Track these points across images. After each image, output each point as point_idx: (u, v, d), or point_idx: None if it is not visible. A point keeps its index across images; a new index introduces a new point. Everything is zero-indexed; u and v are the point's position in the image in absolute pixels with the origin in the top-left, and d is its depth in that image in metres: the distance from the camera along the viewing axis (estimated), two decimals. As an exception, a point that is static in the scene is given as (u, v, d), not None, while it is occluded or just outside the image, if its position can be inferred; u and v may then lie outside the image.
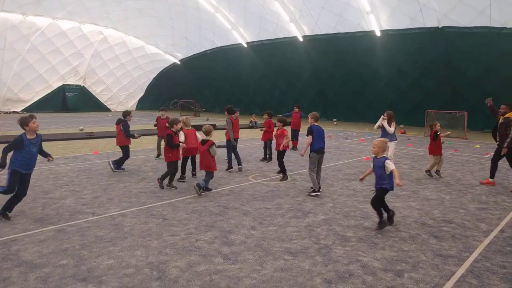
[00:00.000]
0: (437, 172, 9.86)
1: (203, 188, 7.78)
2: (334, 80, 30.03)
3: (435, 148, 9.85)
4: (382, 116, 10.48)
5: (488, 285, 4.16)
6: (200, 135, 9.34)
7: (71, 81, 37.60)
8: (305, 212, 6.71)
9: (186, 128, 9.01)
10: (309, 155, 7.96)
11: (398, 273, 4.41)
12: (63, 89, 37.21)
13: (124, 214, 6.38)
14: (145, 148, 14.31)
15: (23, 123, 5.87)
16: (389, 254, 4.94)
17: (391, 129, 10.22)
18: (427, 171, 10.02)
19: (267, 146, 11.88)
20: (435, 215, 6.68)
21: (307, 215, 6.54)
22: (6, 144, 5.95)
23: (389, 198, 7.68)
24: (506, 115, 8.86)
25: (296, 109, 14.89)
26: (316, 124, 8.10)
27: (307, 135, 8.02)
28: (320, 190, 7.91)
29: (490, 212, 6.88)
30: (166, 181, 8.33)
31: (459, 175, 10.27)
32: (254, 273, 4.34)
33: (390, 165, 5.66)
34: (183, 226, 5.87)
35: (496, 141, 9.17)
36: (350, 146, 15.90)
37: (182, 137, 8.64)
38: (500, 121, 8.96)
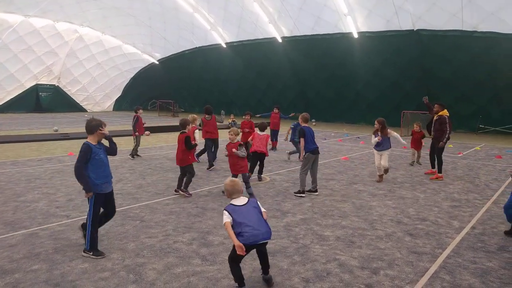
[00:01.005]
0: (416, 161, 12.03)
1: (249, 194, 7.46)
2: (314, 81, 30.32)
3: (412, 143, 12.26)
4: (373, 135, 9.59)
5: (459, 280, 4.29)
6: (198, 136, 9.16)
7: (45, 80, 36.50)
8: (284, 212, 6.74)
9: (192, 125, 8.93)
10: (304, 155, 8.00)
11: (374, 270, 4.49)
12: (36, 89, 36.08)
13: (99, 217, 6.24)
14: (122, 149, 14.06)
15: (93, 127, 4.81)
16: (365, 252, 5.02)
17: (374, 139, 9.38)
18: (412, 162, 12.05)
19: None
20: (410, 213, 6.83)
21: (286, 215, 6.57)
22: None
23: (366, 198, 7.83)
24: (440, 113, 10.01)
25: (276, 110, 14.98)
26: (306, 125, 8.18)
27: (299, 138, 8.08)
28: (317, 190, 8.08)
29: (462, 210, 7.10)
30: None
31: (433, 174, 10.55)
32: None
33: (223, 218, 3.84)
34: (161, 227, 5.80)
35: (430, 135, 10.43)
36: (329, 147, 16.09)
37: (197, 135, 8.50)
38: (434, 118, 10.08)
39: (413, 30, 22.78)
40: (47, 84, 36.86)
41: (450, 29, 21.52)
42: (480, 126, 23.27)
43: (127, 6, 31.25)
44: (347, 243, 5.33)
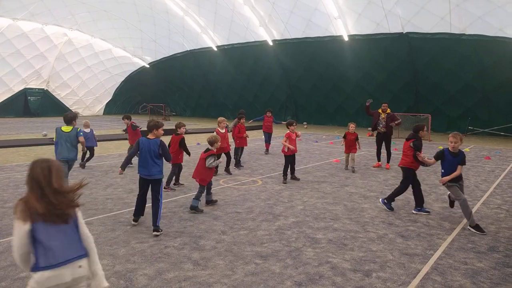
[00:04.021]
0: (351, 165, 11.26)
1: (208, 202, 7.30)
2: (304, 84, 30.45)
3: (345, 146, 11.28)
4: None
5: (451, 281, 4.31)
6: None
7: (34, 84, 36.07)
8: (276, 215, 6.73)
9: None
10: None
11: (366, 273, 4.49)
12: (24, 93, 35.64)
13: (89, 222, 6.15)
14: (112, 153, 13.93)
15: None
16: (357, 254, 5.03)
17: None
18: (347, 166, 11.38)
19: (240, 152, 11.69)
20: (401, 215, 6.87)
21: (278, 218, 6.56)
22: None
23: (357, 200, 7.86)
24: (387, 111, 11.59)
25: (269, 114, 15.03)
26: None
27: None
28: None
29: (453, 211, 7.16)
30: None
31: (424, 175, 10.63)
32: (224, 278, 4.29)
33: None
34: (152, 232, 5.73)
35: (373, 131, 11.90)
36: (320, 149, 16.13)
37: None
38: (382, 116, 11.54)
39: (402, 33, 23.03)
40: (36, 88, 36.43)
41: (438, 32, 21.80)
42: (469, 127, 23.56)
43: (116, 10, 31.07)
44: (339, 245, 5.33)
